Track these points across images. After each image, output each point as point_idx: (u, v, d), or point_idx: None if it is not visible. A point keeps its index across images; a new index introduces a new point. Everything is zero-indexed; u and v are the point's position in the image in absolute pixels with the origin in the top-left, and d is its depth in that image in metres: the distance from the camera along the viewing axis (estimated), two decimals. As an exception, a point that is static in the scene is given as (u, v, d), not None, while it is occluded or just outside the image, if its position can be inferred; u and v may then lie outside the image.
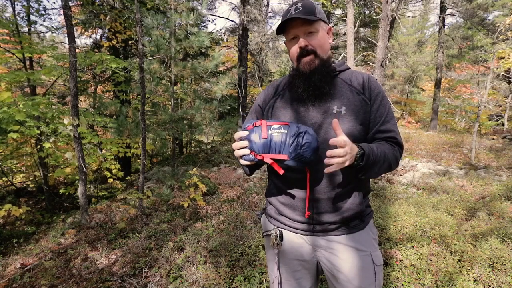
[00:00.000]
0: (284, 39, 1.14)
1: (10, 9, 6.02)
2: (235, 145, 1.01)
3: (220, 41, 11.06)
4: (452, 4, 12.82)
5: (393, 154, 1.05)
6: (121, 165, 6.61)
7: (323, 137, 1.05)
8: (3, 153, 6.11)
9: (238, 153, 1.00)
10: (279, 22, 1.09)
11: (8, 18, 5.85)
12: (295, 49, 1.07)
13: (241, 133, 1.00)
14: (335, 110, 1.05)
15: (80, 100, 8.60)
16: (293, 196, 1.10)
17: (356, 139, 1.05)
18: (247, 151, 0.98)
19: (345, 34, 10.91)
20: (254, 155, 0.97)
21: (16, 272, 2.94)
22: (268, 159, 0.96)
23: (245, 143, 0.98)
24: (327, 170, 0.90)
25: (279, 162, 0.97)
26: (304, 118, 1.08)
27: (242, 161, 1.01)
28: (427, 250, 2.60)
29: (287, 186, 1.11)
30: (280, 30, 1.09)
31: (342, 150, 0.88)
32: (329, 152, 0.88)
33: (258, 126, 0.99)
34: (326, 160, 0.89)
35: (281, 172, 0.98)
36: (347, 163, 0.90)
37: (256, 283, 2.29)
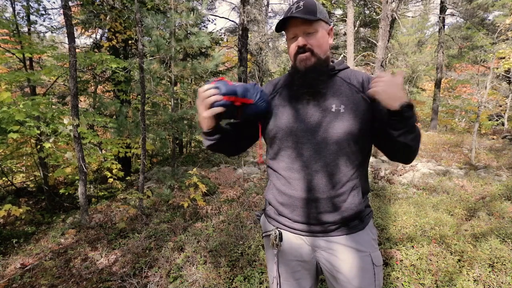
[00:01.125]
0: (285, 38, 1.15)
1: (10, 9, 6.02)
2: (204, 94, 1.04)
3: (220, 41, 11.05)
4: (452, 4, 12.82)
5: (419, 133, 1.01)
6: (121, 165, 6.60)
7: (322, 135, 1.05)
8: (3, 153, 6.11)
9: (209, 100, 1.03)
10: (279, 20, 1.10)
11: (8, 18, 5.84)
12: (293, 47, 1.08)
13: (207, 86, 1.05)
14: (334, 108, 1.05)
15: (80, 100, 8.60)
16: (292, 197, 1.10)
17: (355, 137, 1.04)
18: (219, 97, 1.03)
19: (345, 34, 10.91)
20: (225, 99, 1.05)
21: (16, 272, 2.94)
22: (238, 102, 1.06)
23: (215, 90, 1.04)
24: (371, 91, 0.95)
25: (244, 107, 1.09)
26: (302, 116, 1.08)
27: (210, 111, 1.05)
28: (427, 250, 2.60)
29: (287, 186, 1.11)
30: (281, 28, 1.10)
31: (382, 79, 0.94)
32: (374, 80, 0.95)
33: (221, 80, 1.08)
34: (373, 83, 0.95)
35: (241, 118, 1.13)
36: (389, 91, 0.92)
37: (256, 283, 2.29)
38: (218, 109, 1.05)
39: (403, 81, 0.94)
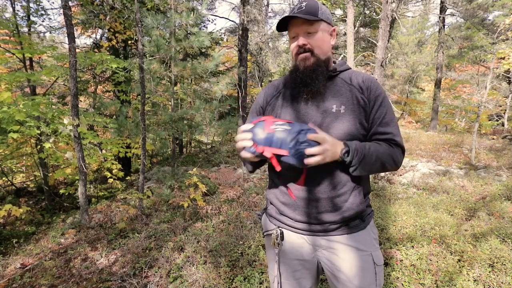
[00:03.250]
0: (286, 39, 1.16)
1: (10, 9, 6.02)
2: (238, 137, 1.01)
3: (220, 41, 11.07)
4: (452, 4, 12.81)
5: (388, 154, 1.04)
6: (121, 165, 6.61)
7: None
8: (3, 153, 6.11)
9: (240, 144, 1.00)
10: (279, 20, 1.11)
11: (8, 18, 5.84)
12: (294, 47, 1.09)
13: (245, 126, 1.02)
14: (334, 109, 1.06)
15: (80, 100, 8.61)
16: (293, 196, 1.10)
17: (355, 137, 1.05)
18: (249, 142, 0.99)
19: (345, 34, 10.91)
20: (256, 148, 0.98)
21: (16, 272, 2.94)
22: (268, 152, 0.97)
23: (249, 135, 0.99)
24: (306, 161, 0.93)
25: (278, 158, 0.98)
26: (303, 117, 1.09)
27: (242, 154, 1.01)
28: (427, 250, 2.60)
29: (288, 185, 1.12)
30: (282, 27, 1.11)
31: (319, 148, 0.93)
32: (308, 150, 0.92)
33: (262, 121, 1.01)
34: (306, 161, 0.93)
35: (278, 168, 0.99)
36: (327, 159, 0.95)
37: (256, 283, 2.29)
38: (248, 155, 1.00)
39: (329, 138, 0.96)
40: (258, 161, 1.12)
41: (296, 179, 1.09)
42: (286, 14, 1.09)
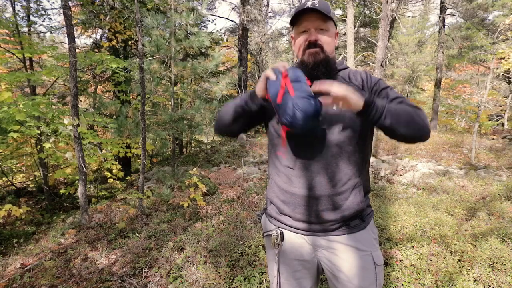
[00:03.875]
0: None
1: (10, 9, 6.02)
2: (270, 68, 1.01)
3: (220, 41, 11.05)
4: (452, 4, 12.81)
5: (413, 109, 0.98)
6: (121, 165, 6.61)
7: (323, 134, 1.06)
8: (3, 153, 6.11)
9: (264, 74, 1.00)
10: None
11: (8, 18, 5.84)
12: (302, 41, 1.08)
13: (281, 63, 1.01)
14: (334, 107, 1.06)
15: (80, 100, 8.61)
16: (293, 194, 1.10)
17: (355, 136, 1.05)
18: (272, 74, 0.97)
19: (345, 34, 10.91)
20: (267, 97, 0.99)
21: (16, 272, 2.94)
22: (282, 86, 0.94)
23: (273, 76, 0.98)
24: (323, 98, 0.91)
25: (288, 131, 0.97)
26: None
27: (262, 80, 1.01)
28: (427, 250, 2.60)
29: (288, 184, 1.12)
30: (293, 20, 1.09)
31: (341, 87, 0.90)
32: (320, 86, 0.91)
33: (294, 68, 0.99)
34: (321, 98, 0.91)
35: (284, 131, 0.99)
36: (353, 97, 0.90)
37: (256, 283, 2.29)
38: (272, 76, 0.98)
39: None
40: (247, 119, 1.12)
41: (298, 177, 1.08)
42: (298, 8, 1.06)
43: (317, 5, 1.02)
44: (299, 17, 1.06)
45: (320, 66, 1.06)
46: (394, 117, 0.93)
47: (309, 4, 1.03)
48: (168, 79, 6.49)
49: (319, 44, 1.05)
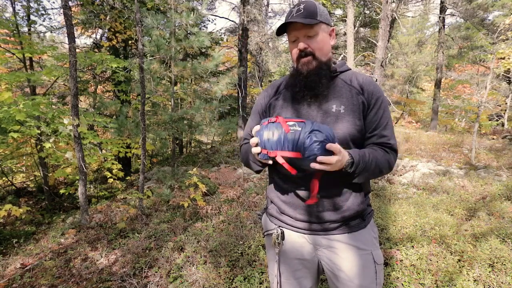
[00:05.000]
0: (285, 38, 1.15)
1: (10, 9, 6.03)
2: (251, 141, 1.00)
3: (220, 41, 11.06)
4: (452, 4, 12.80)
5: (385, 160, 1.06)
6: (121, 165, 6.61)
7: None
8: (3, 153, 6.11)
9: (253, 151, 0.99)
10: (280, 22, 1.09)
11: (8, 18, 5.84)
12: (295, 51, 1.09)
13: (256, 127, 1.01)
14: (334, 109, 1.06)
15: (80, 100, 8.61)
16: (294, 195, 1.10)
17: (355, 137, 1.06)
18: (258, 149, 0.96)
19: (345, 34, 10.91)
20: (267, 153, 0.93)
21: (16, 272, 2.94)
22: (280, 157, 0.91)
23: (256, 140, 0.97)
24: (312, 165, 0.90)
25: (290, 161, 0.93)
26: (304, 117, 1.09)
27: (257, 159, 1.01)
28: (427, 250, 2.60)
29: (289, 184, 1.12)
30: (282, 31, 1.09)
31: (334, 158, 0.90)
32: (320, 158, 0.88)
33: (273, 122, 0.96)
34: (312, 165, 0.89)
35: (294, 172, 0.94)
36: (333, 169, 0.93)
37: (256, 283, 2.29)
38: (263, 160, 0.98)
39: (343, 150, 0.94)
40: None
41: (298, 177, 1.07)
42: (286, 16, 1.08)
43: (302, 11, 1.03)
44: (287, 27, 1.07)
45: (313, 75, 1.06)
46: (363, 177, 1.03)
47: (294, 12, 1.04)
48: (168, 79, 6.49)
49: (310, 51, 1.06)
